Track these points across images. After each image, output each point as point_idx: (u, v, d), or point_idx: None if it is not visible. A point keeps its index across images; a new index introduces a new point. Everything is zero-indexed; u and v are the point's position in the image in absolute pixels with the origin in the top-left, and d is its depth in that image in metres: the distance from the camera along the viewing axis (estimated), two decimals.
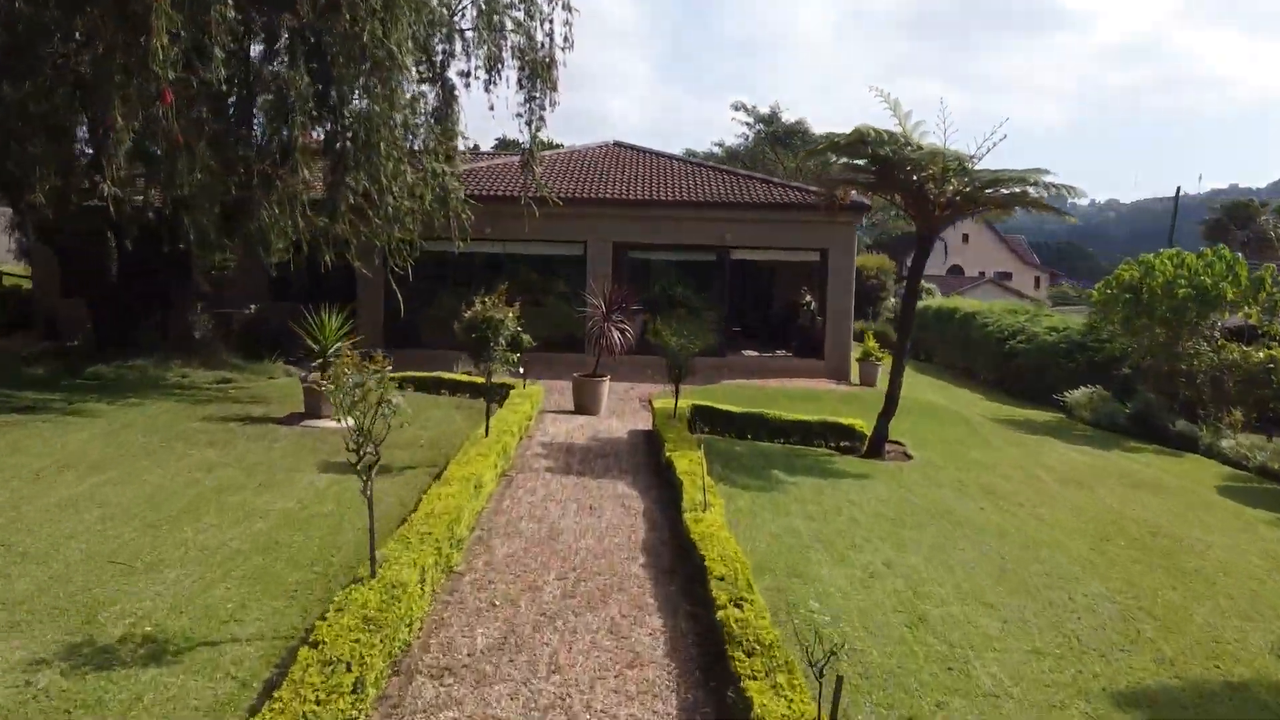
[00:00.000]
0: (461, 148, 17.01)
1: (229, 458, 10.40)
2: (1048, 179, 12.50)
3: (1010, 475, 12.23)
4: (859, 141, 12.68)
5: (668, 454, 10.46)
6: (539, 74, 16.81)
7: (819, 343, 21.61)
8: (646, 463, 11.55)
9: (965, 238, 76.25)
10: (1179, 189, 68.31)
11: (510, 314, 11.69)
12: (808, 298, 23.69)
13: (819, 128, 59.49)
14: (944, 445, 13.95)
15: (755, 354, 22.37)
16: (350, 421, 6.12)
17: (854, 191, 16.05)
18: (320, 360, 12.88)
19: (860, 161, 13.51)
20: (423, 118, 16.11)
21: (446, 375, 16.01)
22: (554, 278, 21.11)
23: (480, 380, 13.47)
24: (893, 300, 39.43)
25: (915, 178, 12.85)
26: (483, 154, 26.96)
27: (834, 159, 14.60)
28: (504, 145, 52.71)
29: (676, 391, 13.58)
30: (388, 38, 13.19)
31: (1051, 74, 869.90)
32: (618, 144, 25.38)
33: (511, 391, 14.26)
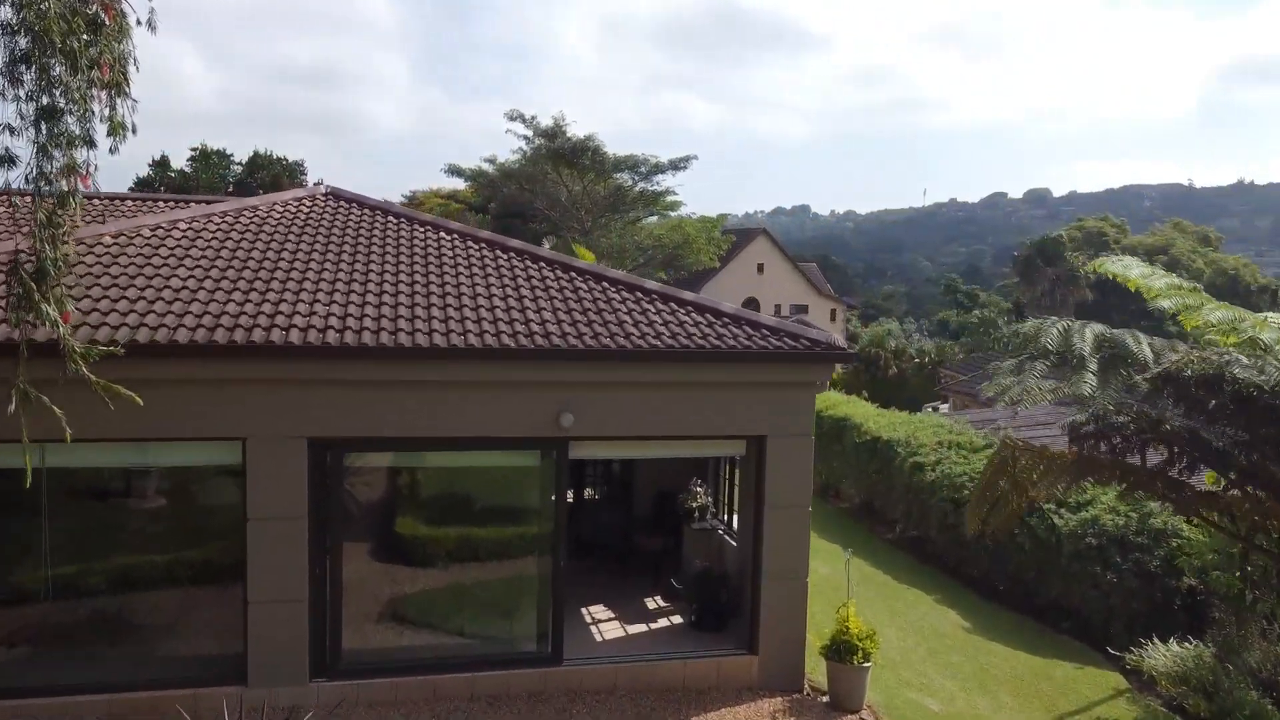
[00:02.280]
0: None
1: None
2: None
3: None
4: None
5: None
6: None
7: (738, 606, 10.96)
8: None
9: (760, 267, 69.06)
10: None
11: None
12: (699, 493, 12.97)
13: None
14: None
15: (616, 628, 11.49)
16: None
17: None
18: None
19: None
20: None
21: None
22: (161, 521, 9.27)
23: None
24: None
25: None
26: None
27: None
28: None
29: None
30: None
31: (798, 92, 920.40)
32: (332, 193, 13.51)
33: None
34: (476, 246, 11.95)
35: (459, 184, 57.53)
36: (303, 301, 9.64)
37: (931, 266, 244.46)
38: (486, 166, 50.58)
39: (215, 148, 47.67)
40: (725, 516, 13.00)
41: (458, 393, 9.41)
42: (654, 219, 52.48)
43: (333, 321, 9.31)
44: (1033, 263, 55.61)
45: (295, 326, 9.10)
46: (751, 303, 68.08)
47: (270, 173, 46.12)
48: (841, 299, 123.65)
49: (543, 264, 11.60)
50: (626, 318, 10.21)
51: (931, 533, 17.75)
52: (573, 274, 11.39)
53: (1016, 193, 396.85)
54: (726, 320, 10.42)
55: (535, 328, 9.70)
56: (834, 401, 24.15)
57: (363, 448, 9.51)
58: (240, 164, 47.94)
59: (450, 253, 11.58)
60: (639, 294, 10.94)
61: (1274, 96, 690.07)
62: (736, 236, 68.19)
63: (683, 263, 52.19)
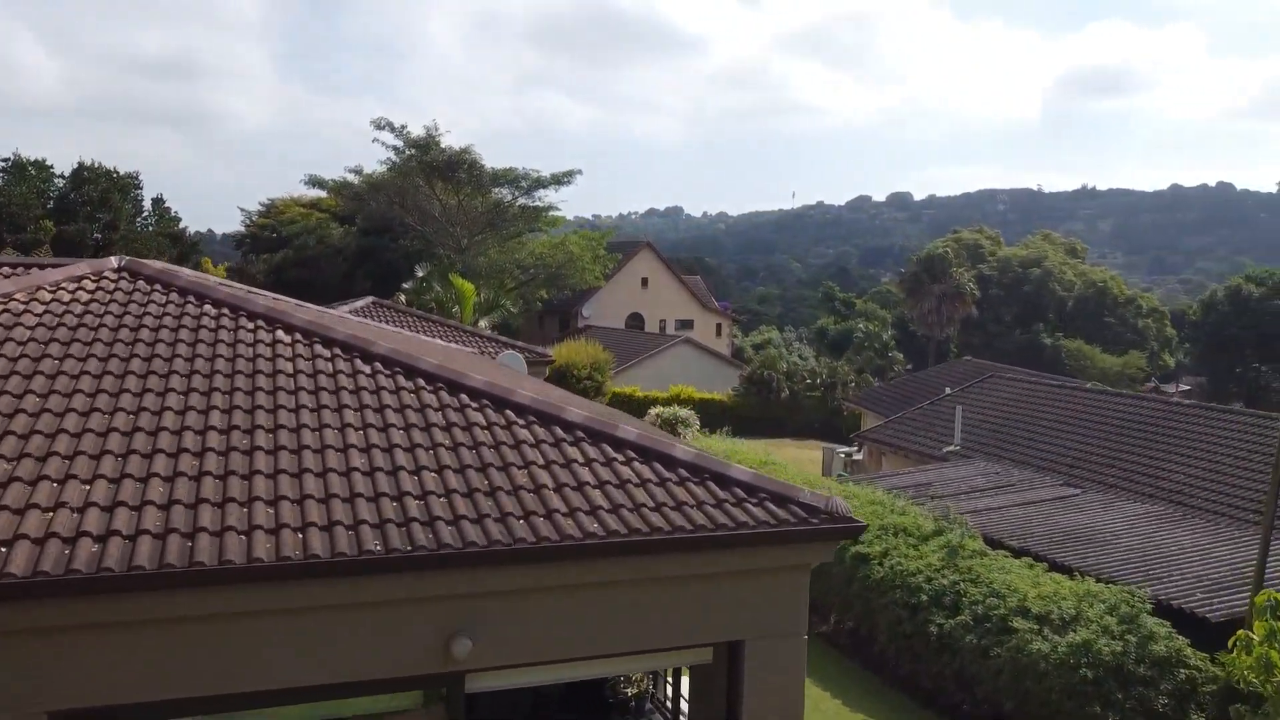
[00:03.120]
0: None
1: None
2: None
3: None
4: None
5: None
6: None
7: None
8: None
9: (645, 281, 66.52)
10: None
11: None
12: (637, 678, 9.98)
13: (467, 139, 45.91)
14: None
15: None
16: None
17: None
18: None
19: None
20: None
21: None
22: None
23: None
24: None
25: None
26: None
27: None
28: None
29: None
30: None
31: (671, 94, 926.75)
32: (128, 269, 9.73)
33: None
34: (328, 357, 8.65)
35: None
36: (42, 490, 6.20)
37: (802, 268, 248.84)
38: (351, 178, 46.23)
39: (33, 157, 41.30)
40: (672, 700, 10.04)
41: (291, 624, 6.19)
42: (538, 234, 49.22)
43: (90, 523, 5.93)
44: (919, 279, 54.87)
45: (25, 538, 5.71)
46: (636, 318, 65.57)
47: (98, 187, 40.45)
48: (721, 306, 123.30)
49: (421, 382, 8.41)
50: (546, 478, 7.17)
51: (880, 636, 15.33)
52: (463, 398, 8.26)
53: (880, 195, 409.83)
54: (683, 473, 7.50)
55: (414, 511, 6.54)
56: (706, 446, 21.62)
57: (147, 718, 6.14)
58: (63, 176, 42.00)
59: (289, 370, 8.26)
60: (558, 431, 7.90)
61: (1112, 108, 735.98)
62: (620, 248, 65.55)
63: (566, 281, 49.19)
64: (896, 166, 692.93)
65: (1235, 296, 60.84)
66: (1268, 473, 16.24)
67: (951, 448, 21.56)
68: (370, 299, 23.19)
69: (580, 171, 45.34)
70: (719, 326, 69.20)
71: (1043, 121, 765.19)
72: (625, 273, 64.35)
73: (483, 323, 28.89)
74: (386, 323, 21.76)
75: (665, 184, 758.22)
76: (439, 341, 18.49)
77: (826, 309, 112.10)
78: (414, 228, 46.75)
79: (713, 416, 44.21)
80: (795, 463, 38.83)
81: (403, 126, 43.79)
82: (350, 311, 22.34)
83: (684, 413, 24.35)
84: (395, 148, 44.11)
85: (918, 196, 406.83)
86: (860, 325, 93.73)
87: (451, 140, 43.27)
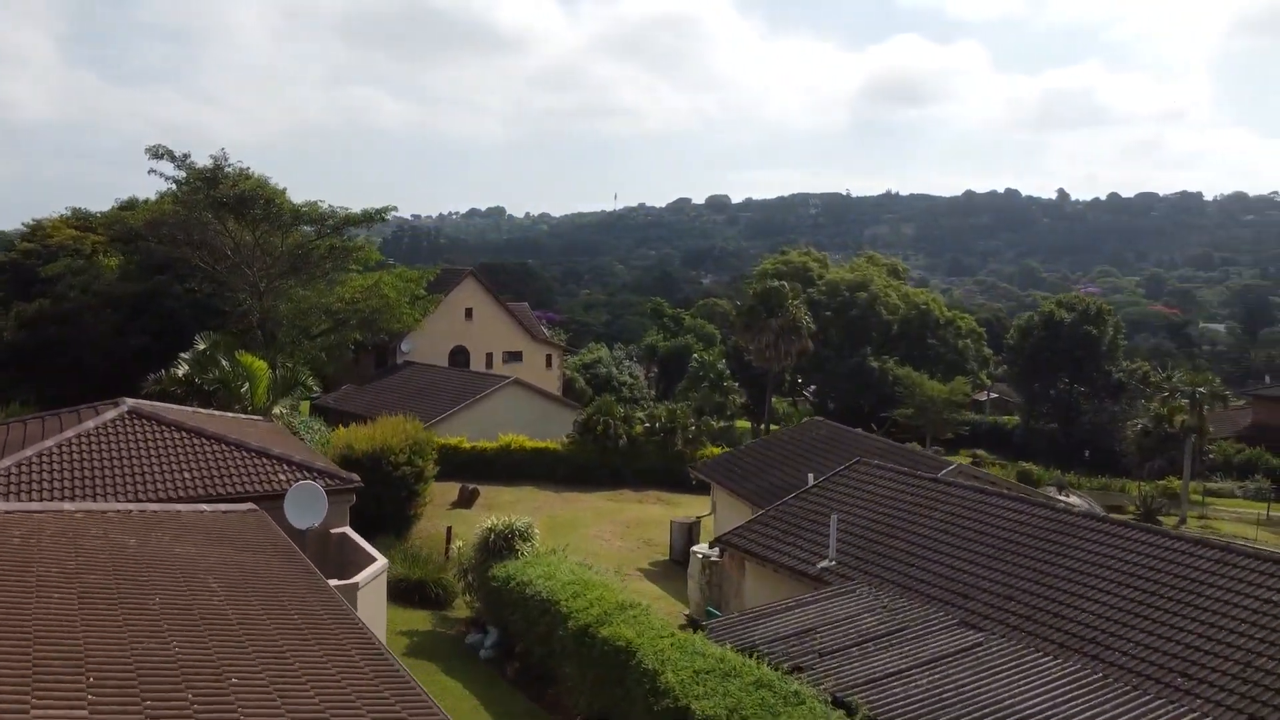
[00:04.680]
0: None
1: None
2: None
3: None
4: None
5: None
6: None
7: None
8: None
9: (469, 312, 62.22)
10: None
11: None
12: None
13: (262, 161, 40.69)
14: None
15: None
16: None
17: None
18: None
19: None
20: None
21: None
22: None
23: None
24: None
25: None
26: None
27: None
28: None
29: None
30: None
31: (492, 93, 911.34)
32: None
33: None
34: None
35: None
36: None
37: (626, 270, 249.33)
38: (124, 213, 39.93)
39: None
40: None
41: None
42: (352, 273, 44.29)
43: None
44: (756, 312, 53.52)
45: None
46: (461, 352, 61.30)
47: None
48: (547, 316, 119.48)
49: None
50: None
51: None
52: None
53: (699, 198, 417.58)
54: None
55: None
56: (548, 575, 18.55)
57: None
58: None
59: None
60: None
61: (911, 117, 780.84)
62: (442, 281, 61.05)
63: (381, 327, 44.60)
64: (715, 169, 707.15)
65: (1049, 322, 63.08)
66: (1197, 618, 14.58)
67: (826, 563, 19.25)
68: (127, 407, 18.54)
69: (395, 208, 41.03)
70: (549, 357, 65.85)
71: (850, 128, 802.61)
72: (448, 304, 59.88)
73: (279, 408, 24.44)
74: (140, 446, 17.23)
75: (487, 184, 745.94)
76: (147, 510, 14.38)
77: (655, 323, 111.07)
78: (206, 269, 40.97)
79: (547, 467, 40.96)
80: (638, 525, 36.09)
81: (185, 156, 38.05)
82: (96, 429, 17.70)
83: (522, 523, 20.97)
84: (175, 180, 38.33)
85: (735, 199, 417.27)
86: (692, 344, 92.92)
87: (243, 164, 37.83)
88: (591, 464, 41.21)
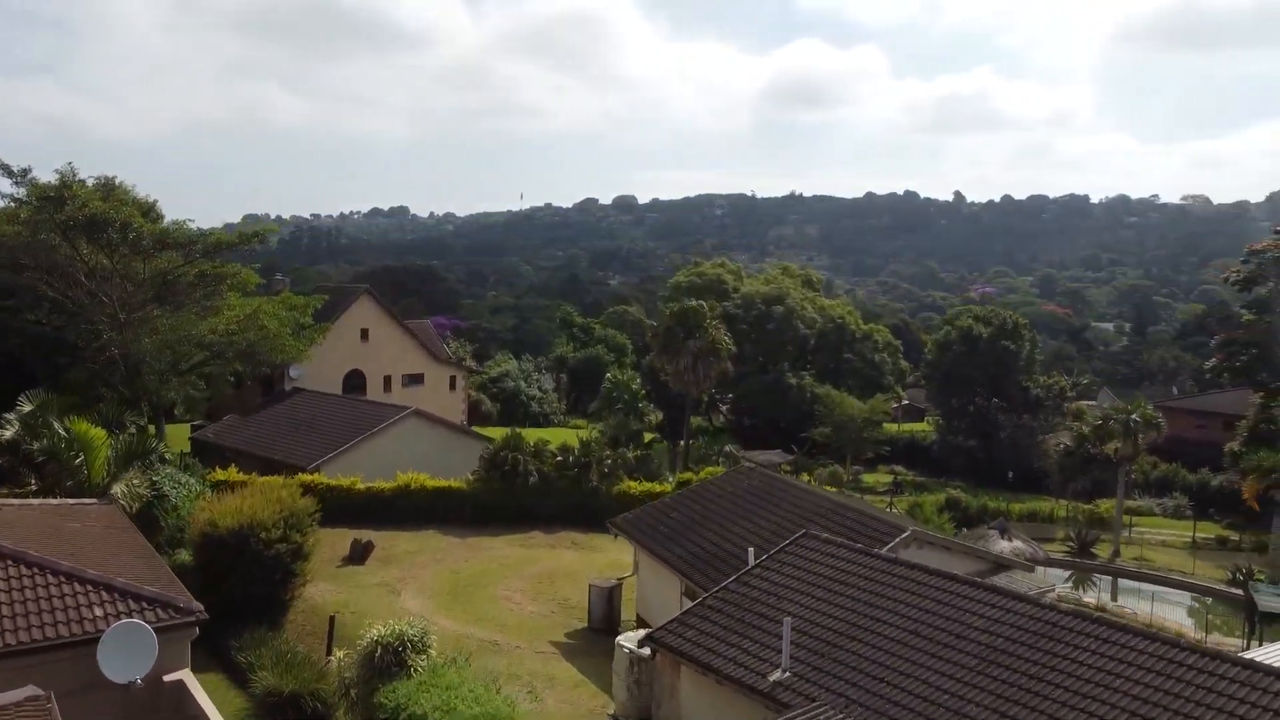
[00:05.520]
0: None
1: None
2: None
3: None
4: None
5: None
6: None
7: None
8: None
9: (365, 333, 57.73)
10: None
11: None
12: None
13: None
14: None
15: None
16: None
17: None
18: None
19: None
20: None
21: None
22: None
23: None
24: None
25: None
26: None
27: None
28: None
29: None
30: None
31: (395, 91, 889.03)
32: None
33: None
34: None
35: None
36: None
37: (533, 270, 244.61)
38: None
39: None
40: None
41: None
42: (225, 299, 39.67)
43: None
44: (673, 334, 50.73)
45: None
46: (356, 376, 56.85)
47: None
48: (451, 323, 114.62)
49: None
50: None
51: None
52: None
53: (606, 198, 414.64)
54: None
55: None
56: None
57: None
58: None
59: None
60: None
61: (814, 119, 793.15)
62: (331, 296, 56.48)
63: (261, 359, 40.18)
64: (622, 170, 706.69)
65: (966, 337, 62.03)
66: None
67: (780, 674, 16.36)
68: None
69: (276, 230, 36.71)
70: (452, 379, 61.84)
71: (754, 130, 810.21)
72: (341, 324, 55.36)
73: (120, 486, 20.26)
74: None
75: (391, 183, 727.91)
76: None
77: (564, 333, 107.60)
78: (58, 298, 35.96)
79: (451, 509, 37.33)
80: (550, 580, 32.68)
81: (24, 172, 33.11)
82: None
83: (415, 631, 17.50)
84: (15, 199, 33.35)
85: (642, 199, 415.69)
86: (603, 354, 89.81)
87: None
88: (499, 504, 37.77)
